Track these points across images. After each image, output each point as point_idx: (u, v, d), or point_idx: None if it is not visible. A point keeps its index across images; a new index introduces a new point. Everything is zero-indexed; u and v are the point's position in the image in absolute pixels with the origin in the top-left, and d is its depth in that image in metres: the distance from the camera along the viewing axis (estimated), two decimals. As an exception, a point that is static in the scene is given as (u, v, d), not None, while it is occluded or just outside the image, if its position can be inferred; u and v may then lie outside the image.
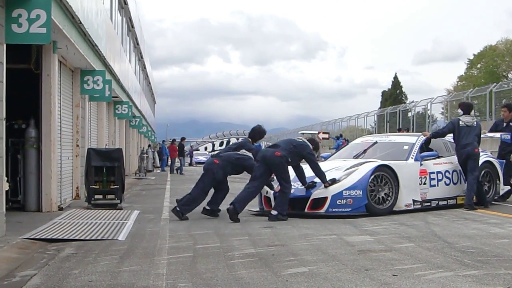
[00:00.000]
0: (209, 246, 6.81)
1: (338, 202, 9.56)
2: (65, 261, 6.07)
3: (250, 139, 10.61)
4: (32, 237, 7.49)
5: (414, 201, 10.24)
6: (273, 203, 9.80)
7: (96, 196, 11.70)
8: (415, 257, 5.93)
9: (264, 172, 9.52)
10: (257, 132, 10.72)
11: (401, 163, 10.38)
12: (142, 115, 34.83)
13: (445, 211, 10.07)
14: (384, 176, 9.89)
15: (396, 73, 67.66)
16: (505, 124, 12.11)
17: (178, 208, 9.65)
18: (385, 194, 9.88)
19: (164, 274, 5.27)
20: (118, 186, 11.77)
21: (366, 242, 6.95)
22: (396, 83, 67.30)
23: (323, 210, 9.58)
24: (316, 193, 9.69)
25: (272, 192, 10.08)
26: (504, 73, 59.96)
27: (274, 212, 9.26)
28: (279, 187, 9.64)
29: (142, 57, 35.21)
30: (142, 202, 13.65)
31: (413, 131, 33.64)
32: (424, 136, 11.42)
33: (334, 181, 9.68)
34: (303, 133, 11.75)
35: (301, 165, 9.92)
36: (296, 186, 9.82)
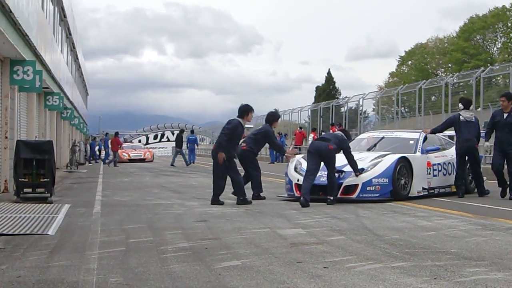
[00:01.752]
0: (142, 240, 6.76)
1: (368, 188, 10.83)
2: (-8, 256, 5.90)
3: (268, 124, 11.96)
4: (-44, 232, 7.24)
5: (423, 188, 11.62)
6: None
7: (25, 190, 11.40)
8: (346, 249, 6.06)
9: (317, 163, 10.63)
10: (271, 116, 12.11)
11: (414, 156, 11.69)
12: (74, 106, 34.12)
13: (375, 204, 10.32)
14: (404, 166, 11.18)
15: (329, 69, 68.68)
16: (505, 115, 11.29)
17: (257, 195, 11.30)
18: (404, 182, 11.17)
19: (95, 269, 5.20)
20: (48, 179, 11.48)
21: (299, 235, 7.05)
22: (329, 78, 68.27)
23: (354, 196, 10.83)
24: (348, 181, 10.91)
25: (302, 179, 10.87)
26: (434, 71, 61.75)
27: (331, 197, 10.45)
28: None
29: (74, 48, 34.44)
30: (73, 195, 13.39)
31: (345, 127, 34.23)
32: (425, 133, 12.58)
33: (362, 170, 10.85)
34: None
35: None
36: (322, 174, 10.86)
